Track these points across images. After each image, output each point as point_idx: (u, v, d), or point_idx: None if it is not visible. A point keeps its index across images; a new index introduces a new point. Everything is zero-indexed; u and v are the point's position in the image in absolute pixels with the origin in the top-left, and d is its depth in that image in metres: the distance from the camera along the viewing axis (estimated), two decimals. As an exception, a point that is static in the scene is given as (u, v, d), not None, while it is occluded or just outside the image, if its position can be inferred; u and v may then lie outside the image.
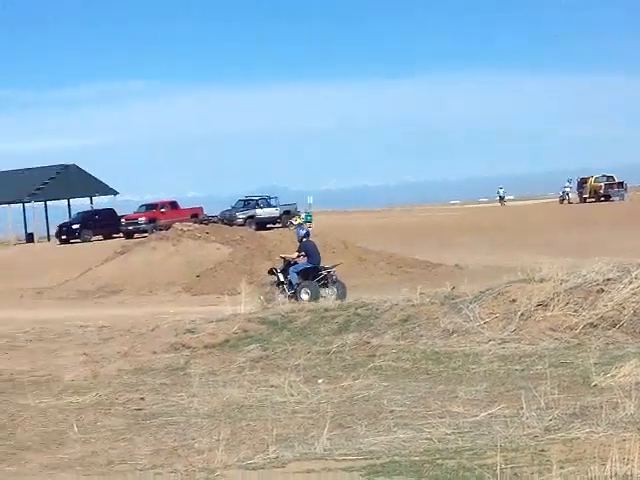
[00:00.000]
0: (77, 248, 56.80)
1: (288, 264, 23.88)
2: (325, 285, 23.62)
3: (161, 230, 43.99)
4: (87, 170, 75.94)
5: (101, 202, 76.50)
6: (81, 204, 78.12)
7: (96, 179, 75.65)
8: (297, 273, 23.41)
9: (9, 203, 73.75)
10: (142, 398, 12.72)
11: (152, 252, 34.98)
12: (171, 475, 9.01)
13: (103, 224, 64.73)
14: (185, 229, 37.25)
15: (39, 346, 17.12)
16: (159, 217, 61.09)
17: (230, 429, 10.53)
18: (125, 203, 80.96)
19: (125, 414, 11.95)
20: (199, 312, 18.67)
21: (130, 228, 61.44)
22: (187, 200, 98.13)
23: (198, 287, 31.85)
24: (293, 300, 21.94)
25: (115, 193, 76.78)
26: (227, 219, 56.70)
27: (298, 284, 23.23)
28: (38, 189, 72.47)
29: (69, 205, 77.26)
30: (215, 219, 57.28)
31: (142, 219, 61.96)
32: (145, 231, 57.08)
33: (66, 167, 74.84)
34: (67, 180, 72.79)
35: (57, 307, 25.58)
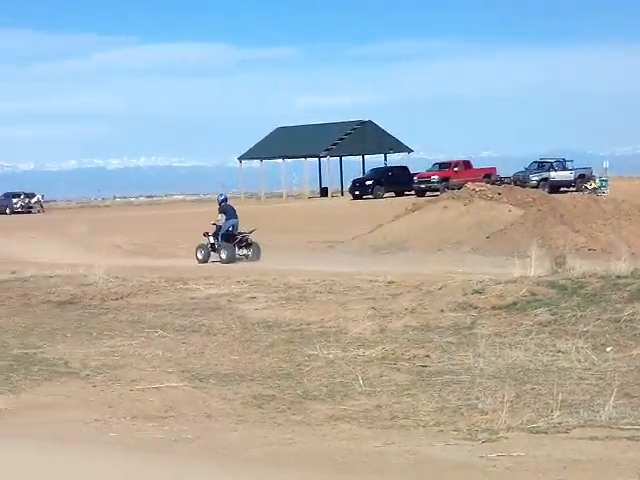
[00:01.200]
0: (369, 204, 57.70)
1: (218, 229, 28.59)
2: (241, 247, 28.35)
3: (453, 189, 43.87)
4: (382, 127, 77.05)
5: (394, 159, 77.44)
6: (374, 160, 79.40)
7: (391, 136, 76.60)
8: (221, 237, 28.42)
9: (305, 157, 76.00)
10: (427, 355, 12.75)
11: (443, 211, 34.89)
12: (454, 433, 9.00)
13: (395, 181, 65.38)
14: (477, 189, 36.87)
15: (328, 298, 17.48)
16: (452, 176, 61.09)
17: (515, 392, 10.39)
18: (418, 161, 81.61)
19: (410, 370, 12.03)
20: (487, 273, 18.44)
21: (422, 186, 61.75)
22: (480, 160, 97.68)
23: (487, 248, 31.50)
24: (217, 258, 27.97)
25: (409, 151, 77.46)
26: (520, 180, 55.85)
27: (220, 245, 28.30)
28: (334, 144, 74.26)
29: (363, 161, 78.76)
30: (508, 180, 56.59)
31: (435, 177, 62.14)
32: (437, 189, 57.17)
33: (363, 123, 76.20)
34: (363, 136, 74.14)
35: (347, 261, 26.03)
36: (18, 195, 73.60)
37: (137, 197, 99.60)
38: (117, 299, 18.67)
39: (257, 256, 28.10)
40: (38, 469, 8.38)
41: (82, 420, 10.06)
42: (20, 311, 17.83)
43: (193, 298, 18.51)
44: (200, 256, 28.47)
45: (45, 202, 76.65)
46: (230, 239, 28.28)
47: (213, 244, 28.48)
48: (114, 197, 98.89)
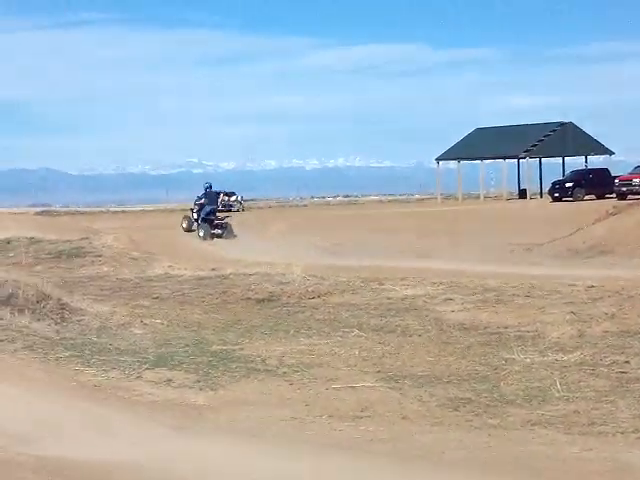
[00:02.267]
0: (568, 206, 56.50)
1: (201, 208, 36.81)
2: (216, 227, 36.25)
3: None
4: (583, 129, 75.39)
5: (595, 161, 75.57)
6: (574, 162, 77.73)
7: (591, 138, 74.82)
8: (201, 219, 36.42)
9: (505, 158, 75.01)
10: (627, 361, 12.36)
11: (646, 214, 33.91)
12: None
13: (596, 184, 63.69)
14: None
15: (526, 302, 17.21)
16: (655, 179, 59.09)
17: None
18: (619, 164, 79.32)
19: (609, 376, 11.69)
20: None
21: (623, 189, 59.87)
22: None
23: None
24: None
25: (610, 153, 75.46)
26: None
27: (199, 225, 36.44)
28: (533, 145, 73.09)
29: (563, 163, 77.19)
30: None
31: (636, 180, 60.15)
32: (639, 193, 55.46)
33: (563, 125, 74.72)
34: (563, 138, 72.70)
35: (545, 264, 25.59)
36: (218, 194, 75.39)
37: (334, 197, 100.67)
38: (314, 298, 18.90)
39: (229, 235, 35.97)
40: (233, 465, 8.56)
41: (279, 418, 10.21)
42: (219, 308, 18.27)
43: (389, 298, 18.55)
44: (185, 225, 38.67)
45: (245, 201, 78.42)
46: (208, 221, 36.33)
47: (196, 220, 37.04)
48: (312, 197, 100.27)
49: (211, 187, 37.90)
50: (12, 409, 10.33)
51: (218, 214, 37.61)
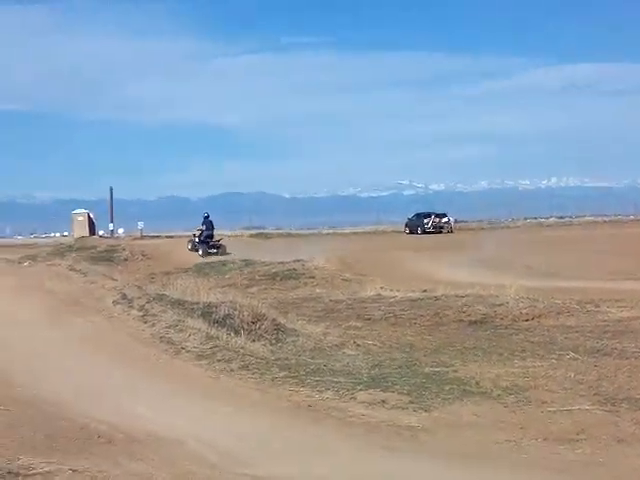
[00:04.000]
0: None
1: (201, 234, 47.69)
2: (212, 247, 47.08)
3: None
4: None
5: None
6: None
7: None
8: (200, 240, 47.38)
9: None
10: None
11: None
12: None
13: None
14: None
15: None
16: None
17: None
18: None
19: None
20: None
21: None
22: None
23: None
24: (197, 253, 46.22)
25: None
26: None
27: (199, 245, 47.15)
28: None
29: None
30: None
31: None
32: None
33: None
34: None
35: None
36: (429, 215, 75.51)
37: (547, 218, 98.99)
38: (528, 320, 18.61)
39: (222, 253, 45.35)
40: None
41: (493, 440, 10.10)
42: (431, 329, 18.23)
43: (604, 321, 18.07)
44: (189, 247, 47.95)
45: (456, 222, 78.15)
46: (205, 243, 47.17)
47: (197, 242, 47.37)
48: (525, 217, 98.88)
49: (208, 216, 48.32)
50: (225, 427, 10.61)
51: (215, 238, 48.31)
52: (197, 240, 47.88)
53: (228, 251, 46.28)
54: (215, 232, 49.27)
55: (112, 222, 63.93)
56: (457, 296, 21.56)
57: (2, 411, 10.34)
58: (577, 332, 16.97)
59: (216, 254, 45.81)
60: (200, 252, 46.40)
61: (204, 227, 48.05)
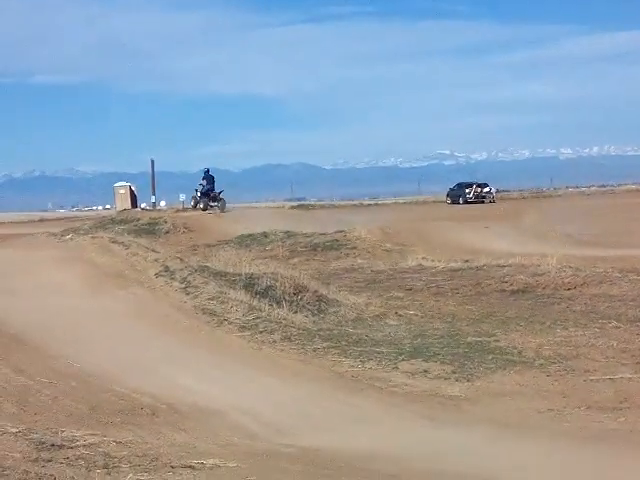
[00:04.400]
0: None
1: (202, 188, 48.53)
2: (213, 200, 48.09)
3: None
4: None
5: None
6: None
7: None
8: (202, 193, 48.58)
9: None
10: None
11: None
12: None
13: None
14: None
15: None
16: None
17: None
18: None
19: None
20: None
21: None
22: None
23: None
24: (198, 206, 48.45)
25: None
26: None
27: (200, 198, 48.52)
28: None
29: None
30: None
31: None
32: None
33: None
34: None
35: None
36: (471, 185, 75.16)
37: (589, 186, 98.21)
38: (570, 289, 18.50)
39: (222, 207, 47.58)
40: (492, 457, 8.51)
41: (535, 409, 10.09)
42: (473, 299, 18.18)
43: (648, 289, 17.94)
44: (192, 203, 49.41)
45: (498, 192, 77.73)
46: (207, 196, 48.32)
47: (199, 197, 48.52)
48: (566, 187, 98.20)
49: (209, 171, 49.12)
50: (267, 398, 10.67)
51: (216, 190, 48.71)
52: (199, 195, 49.06)
53: (265, 223, 44.25)
54: (216, 185, 49.58)
55: (154, 194, 64.16)
56: (499, 266, 21.47)
57: (47, 384, 10.45)
58: (619, 301, 16.85)
59: (217, 207, 47.62)
60: (201, 205, 48.13)
61: (205, 182, 49.06)
